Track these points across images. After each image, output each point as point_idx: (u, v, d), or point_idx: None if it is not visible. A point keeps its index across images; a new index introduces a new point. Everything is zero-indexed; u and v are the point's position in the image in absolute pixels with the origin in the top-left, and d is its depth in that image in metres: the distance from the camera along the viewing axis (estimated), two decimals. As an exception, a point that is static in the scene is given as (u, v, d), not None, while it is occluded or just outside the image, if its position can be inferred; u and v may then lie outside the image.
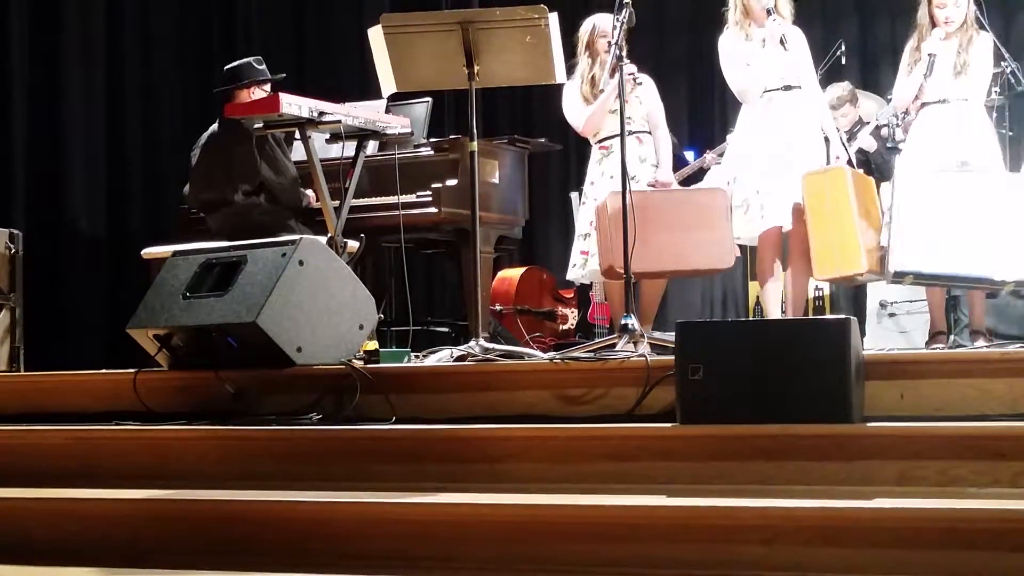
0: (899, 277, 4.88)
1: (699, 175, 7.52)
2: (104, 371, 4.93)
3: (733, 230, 5.39)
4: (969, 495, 3.25)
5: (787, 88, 5.44)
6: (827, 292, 7.52)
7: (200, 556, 3.52)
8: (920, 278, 4.90)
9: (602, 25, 5.73)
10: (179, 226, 6.58)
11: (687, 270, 5.49)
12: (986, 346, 5.14)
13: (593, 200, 5.64)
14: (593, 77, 5.74)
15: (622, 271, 5.00)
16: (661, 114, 5.87)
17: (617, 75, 5.02)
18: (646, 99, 5.80)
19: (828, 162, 5.38)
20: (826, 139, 5.46)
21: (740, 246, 5.79)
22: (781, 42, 5.26)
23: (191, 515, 3.67)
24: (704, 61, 8.65)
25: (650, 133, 5.81)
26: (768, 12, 5.34)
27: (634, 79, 5.56)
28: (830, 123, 5.62)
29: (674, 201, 5.35)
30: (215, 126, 6.09)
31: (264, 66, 6.11)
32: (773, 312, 5.56)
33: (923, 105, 5.42)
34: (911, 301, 6.87)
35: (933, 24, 5.37)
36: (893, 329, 6.88)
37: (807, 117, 5.46)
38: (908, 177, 4.93)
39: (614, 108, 5.68)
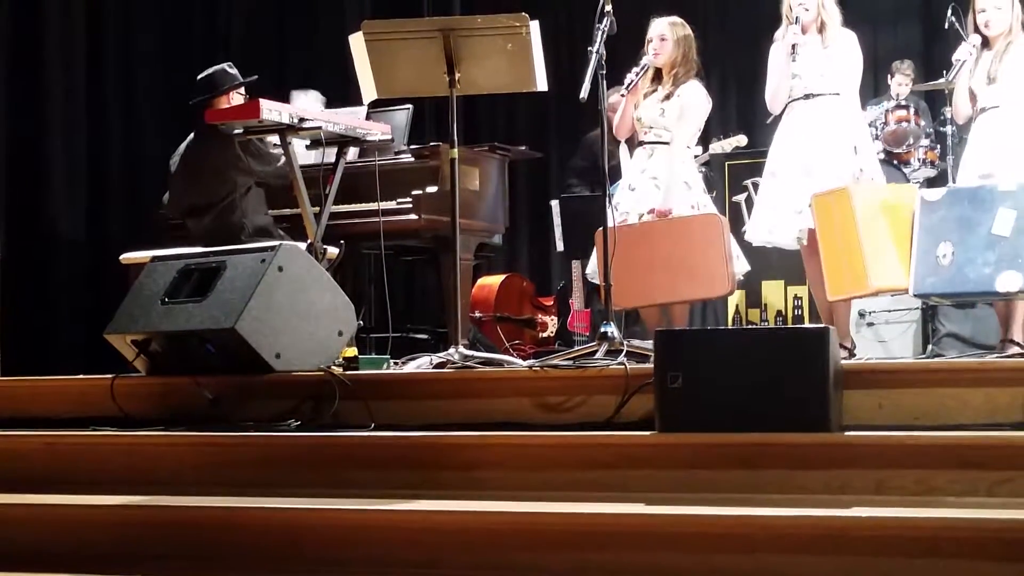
0: (923, 298, 4.91)
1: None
2: (82, 376, 4.91)
3: (748, 232, 5.45)
4: (946, 504, 3.26)
5: (807, 97, 5.32)
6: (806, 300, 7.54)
7: (178, 562, 3.51)
8: (942, 297, 4.85)
9: (651, 31, 5.70)
10: (158, 231, 6.55)
11: (680, 301, 5.49)
12: (963, 356, 5.11)
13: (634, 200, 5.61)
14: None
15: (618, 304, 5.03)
16: (688, 128, 5.68)
17: (602, 84, 5.01)
18: (673, 110, 5.63)
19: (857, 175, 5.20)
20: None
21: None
22: (792, 51, 5.21)
23: (168, 521, 3.66)
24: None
25: (667, 144, 5.65)
26: (797, 20, 5.26)
27: (627, 85, 5.55)
28: (863, 134, 5.44)
29: (666, 232, 5.34)
30: (192, 136, 6.05)
31: (236, 70, 6.07)
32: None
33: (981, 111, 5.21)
34: (889, 311, 6.88)
35: (976, 29, 5.19)
36: (872, 338, 6.88)
37: (828, 127, 5.28)
38: (924, 196, 4.80)
39: (639, 115, 5.69)
